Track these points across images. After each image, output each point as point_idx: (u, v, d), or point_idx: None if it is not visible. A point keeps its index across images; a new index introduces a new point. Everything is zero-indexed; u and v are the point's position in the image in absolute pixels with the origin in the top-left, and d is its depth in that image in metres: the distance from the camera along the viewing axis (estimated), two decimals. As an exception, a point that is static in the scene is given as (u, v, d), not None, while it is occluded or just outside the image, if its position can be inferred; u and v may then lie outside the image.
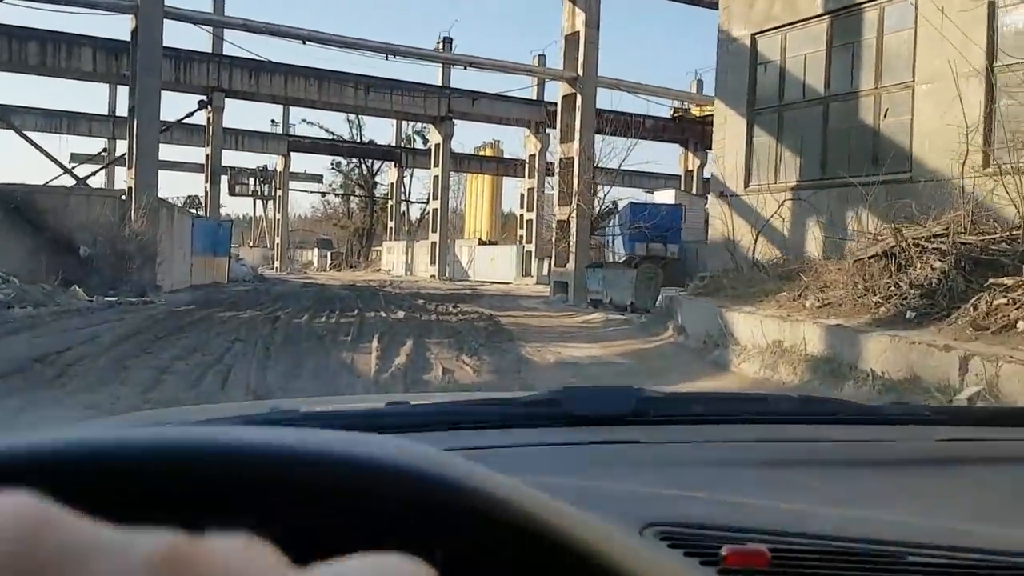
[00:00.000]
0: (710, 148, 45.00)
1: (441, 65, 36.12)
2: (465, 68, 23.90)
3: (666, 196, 36.81)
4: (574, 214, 19.17)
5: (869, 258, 6.80)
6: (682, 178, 45.02)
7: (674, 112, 43.01)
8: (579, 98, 19.19)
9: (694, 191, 43.30)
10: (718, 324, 8.15)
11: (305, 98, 33.91)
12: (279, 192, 51.03)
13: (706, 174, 47.24)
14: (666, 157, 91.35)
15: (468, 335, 11.11)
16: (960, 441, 1.31)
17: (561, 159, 20.06)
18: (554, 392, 1.25)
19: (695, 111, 44.22)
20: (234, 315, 13.53)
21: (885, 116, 13.90)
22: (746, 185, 16.28)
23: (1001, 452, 1.30)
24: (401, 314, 14.98)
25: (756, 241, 12.84)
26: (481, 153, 53.66)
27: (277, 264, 49.38)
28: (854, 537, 0.77)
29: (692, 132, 44.16)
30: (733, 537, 0.74)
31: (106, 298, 14.18)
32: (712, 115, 43.37)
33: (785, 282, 9.25)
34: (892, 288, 6.42)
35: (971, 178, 12.21)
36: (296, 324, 12.32)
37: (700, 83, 44.45)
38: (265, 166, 57.67)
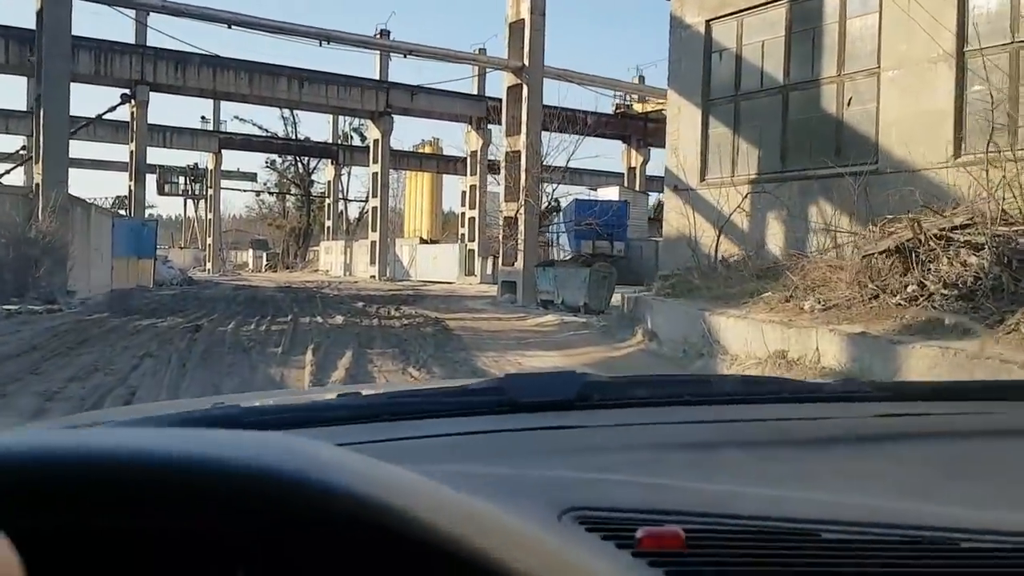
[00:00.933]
0: (653, 144, 44.88)
1: (379, 54, 34.86)
2: (405, 56, 22.73)
3: (609, 193, 36.18)
4: (522, 210, 18.24)
5: (880, 254, 6.00)
6: (625, 175, 44.55)
7: (616, 108, 42.44)
8: (525, 88, 18.25)
9: (637, 188, 42.91)
10: (700, 330, 7.26)
11: (236, 92, 32.34)
12: (210, 191, 49.08)
13: (650, 172, 46.91)
14: (609, 153, 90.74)
15: (415, 343, 10.07)
16: (899, 416, 1.29)
17: (507, 153, 19.10)
18: (498, 379, 1.24)
19: (637, 107, 43.77)
20: (151, 324, 12.24)
21: (849, 105, 13.25)
22: (702, 178, 15.53)
23: (939, 427, 1.28)
24: (340, 319, 13.85)
25: (719, 237, 12.04)
26: (421, 151, 52.48)
27: (209, 266, 47.47)
28: (772, 516, 0.77)
29: (634, 128, 43.69)
30: (652, 520, 0.73)
31: (5, 306, 12.71)
32: (656, 111, 43.03)
33: (766, 281, 8.45)
34: (915, 288, 5.60)
35: (944, 168, 11.63)
36: (220, 334, 11.11)
37: (641, 79, 43.95)
38: (196, 164, 55.70)
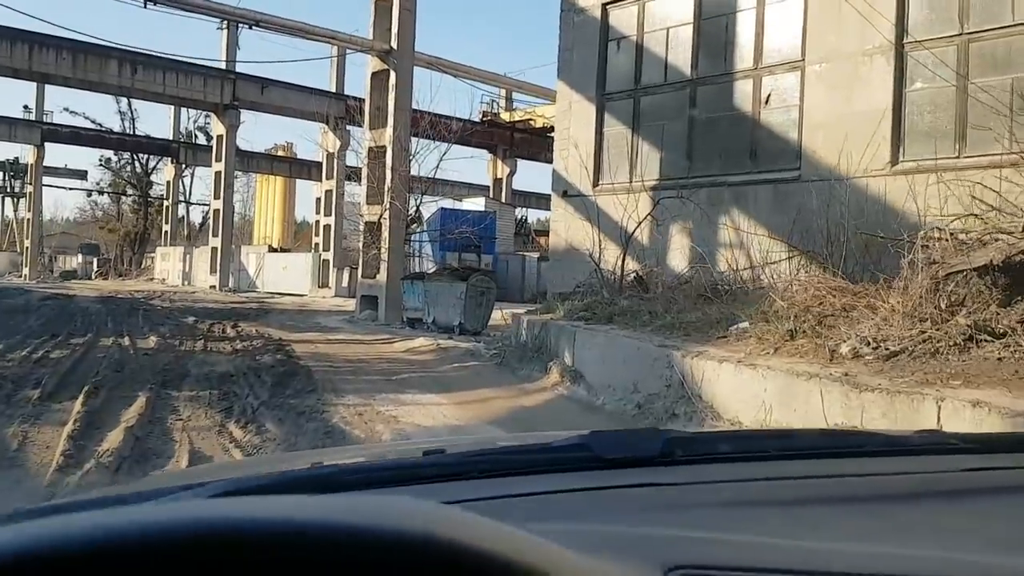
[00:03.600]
0: (521, 156, 43.29)
1: (225, 40, 31.43)
2: (251, 27, 19.84)
3: (475, 204, 34.11)
4: (387, 214, 15.80)
5: (972, 271, 4.11)
6: (491, 187, 42.68)
7: (484, 116, 40.54)
8: (393, 75, 15.87)
9: (503, 200, 41.12)
10: (664, 376, 5.12)
11: (56, 73, 28.27)
12: (30, 188, 43.79)
13: (516, 185, 45.27)
14: (472, 164, 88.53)
15: (244, 381, 7.47)
16: (990, 470, 1.27)
17: (371, 149, 16.62)
18: (582, 436, 1.22)
19: (505, 116, 42.03)
20: None
21: (767, 103, 11.67)
22: (595, 183, 13.65)
23: None
24: (153, 341, 11.03)
25: (626, 250, 10.10)
26: (274, 154, 48.91)
27: (27, 271, 42.15)
28: (870, 573, 0.77)
29: (502, 138, 41.92)
30: None
31: None
32: (525, 120, 41.31)
33: (725, 305, 6.49)
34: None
35: (880, 176, 10.15)
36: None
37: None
38: (16, 159, 50.04)
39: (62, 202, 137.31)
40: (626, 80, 13.51)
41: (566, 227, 13.96)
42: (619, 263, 10.00)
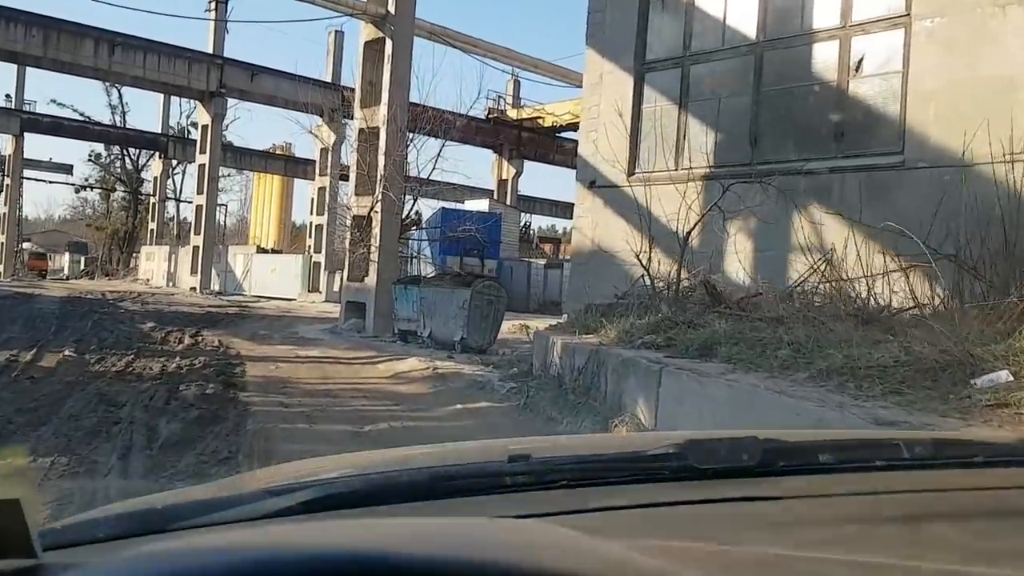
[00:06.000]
0: (528, 157, 40.86)
1: (212, 9, 28.98)
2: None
3: (478, 206, 31.68)
4: (378, 206, 13.37)
5: None
6: (495, 189, 40.26)
7: (489, 113, 38.15)
8: (389, 44, 13.45)
9: (508, 202, 38.71)
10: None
11: (26, 52, 25.88)
12: (7, 181, 41.38)
13: (524, 192, 42.83)
14: (477, 163, 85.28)
15: (133, 433, 5.00)
16: None
17: (362, 131, 14.19)
18: (677, 444, 1.15)
19: (512, 113, 39.66)
20: None
21: (858, 69, 9.27)
22: (631, 172, 11.23)
23: None
24: (65, 354, 8.60)
25: (684, 252, 7.67)
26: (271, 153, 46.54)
27: (0, 268, 39.68)
28: None
29: (508, 137, 39.54)
30: None
31: None
32: (533, 118, 38.81)
33: (868, 331, 4.06)
34: None
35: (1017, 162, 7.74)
36: None
37: (517, 83, 39.91)
38: (-3, 150, 47.68)
39: (52, 199, 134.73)
40: (672, 45, 11.09)
41: (593, 224, 11.52)
42: (674, 270, 7.54)
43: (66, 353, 8.72)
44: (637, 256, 7.71)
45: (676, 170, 10.49)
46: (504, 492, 1.04)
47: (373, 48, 14.04)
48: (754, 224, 9.76)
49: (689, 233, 7.92)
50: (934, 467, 1.23)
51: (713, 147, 10.55)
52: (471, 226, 19.16)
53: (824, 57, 9.52)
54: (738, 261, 9.81)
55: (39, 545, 0.66)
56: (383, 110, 13.55)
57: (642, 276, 7.99)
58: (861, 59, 9.25)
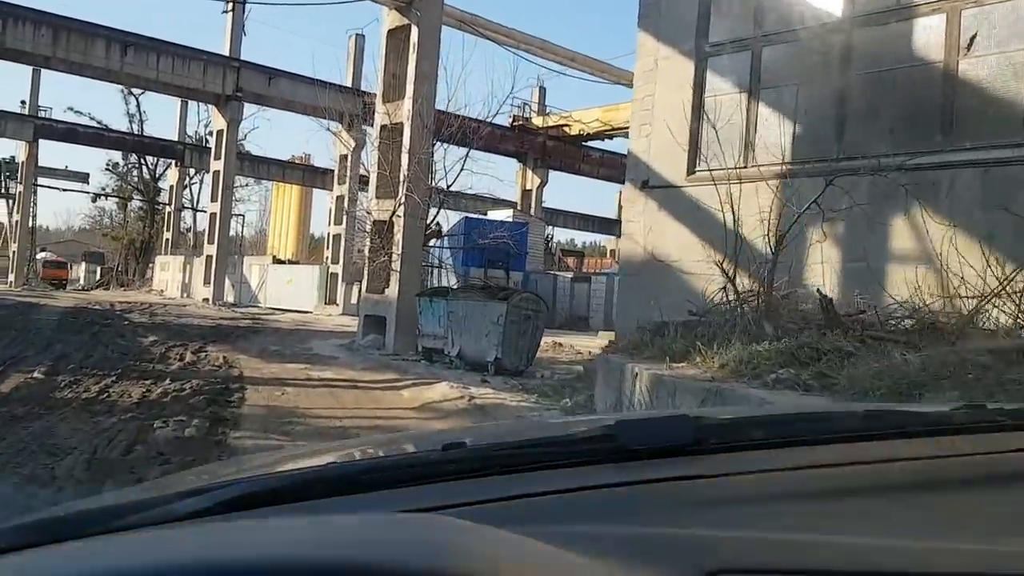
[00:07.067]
0: (553, 166, 39.56)
1: (229, 9, 27.88)
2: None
3: (501, 217, 30.42)
4: (400, 210, 12.05)
5: None
6: (518, 199, 38.96)
7: (514, 120, 36.89)
8: (414, 32, 12.17)
9: (532, 213, 37.42)
10: None
11: (34, 52, 24.85)
12: (20, 189, 40.56)
13: (546, 203, 41.48)
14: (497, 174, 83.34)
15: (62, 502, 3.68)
16: None
17: (384, 127, 12.89)
18: (607, 425, 1.13)
19: (537, 121, 38.41)
20: None
21: (970, 47, 7.85)
22: (691, 170, 9.85)
23: None
24: (35, 375, 7.31)
25: (775, 264, 6.30)
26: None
27: (11, 278, 38.76)
28: (927, 571, 0.74)
29: (533, 145, 38.26)
30: None
31: None
32: (559, 125, 37.39)
33: None
34: None
35: None
36: None
37: (543, 90, 38.69)
38: (12, 158, 46.94)
39: (71, 209, 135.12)
40: (741, 25, 9.75)
41: (646, 230, 10.15)
42: (760, 284, 6.14)
43: (35, 374, 7.43)
44: (720, 266, 6.30)
45: (745, 167, 9.10)
46: (437, 482, 1.00)
47: (397, 37, 12.75)
48: (841, 229, 8.37)
49: (782, 238, 6.50)
50: (867, 439, 1.22)
51: (790, 141, 9.15)
52: (504, 233, 17.78)
53: (927, 33, 8.14)
54: (820, 272, 8.39)
55: None
56: (407, 104, 12.25)
57: (722, 289, 6.58)
58: (974, 36, 7.85)
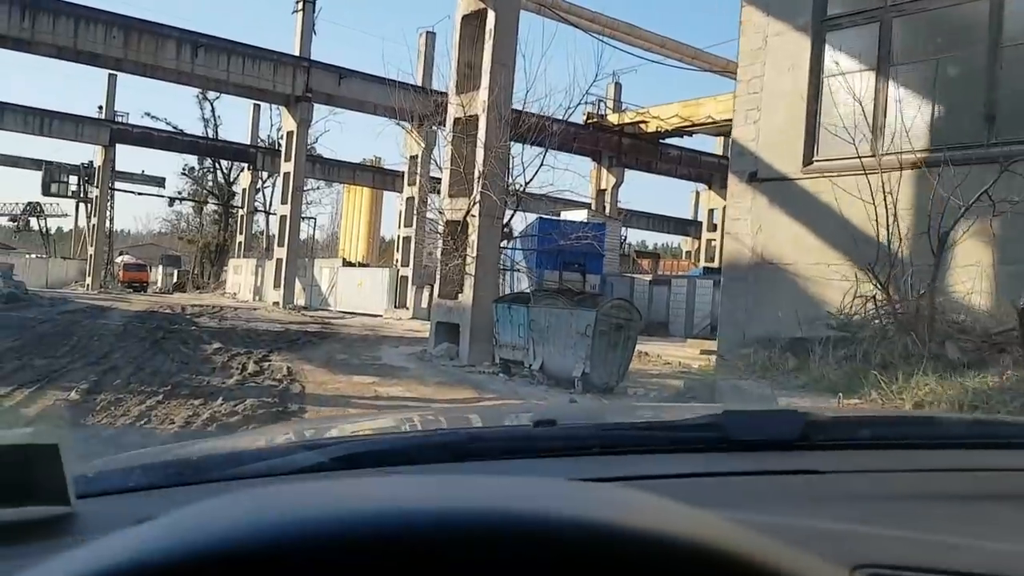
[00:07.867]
0: (628, 165, 38.23)
1: (300, 9, 27.47)
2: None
3: (576, 217, 29.34)
4: (475, 209, 11.13)
5: None
6: (592, 199, 37.79)
7: (588, 118, 35.75)
8: (491, 16, 11.24)
9: (607, 213, 36.23)
10: None
11: (105, 54, 24.76)
12: (96, 192, 41.05)
13: (621, 201, 40.22)
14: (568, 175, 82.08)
15: None
16: None
17: (457, 120, 12.02)
18: (714, 415, 1.11)
19: (612, 118, 37.19)
20: None
21: None
22: (808, 160, 8.66)
23: None
24: (74, 395, 6.52)
25: (939, 266, 5.09)
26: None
27: (89, 281, 39.23)
28: None
29: (607, 143, 37.05)
30: None
31: None
32: (636, 122, 36.02)
33: None
34: None
35: None
36: None
37: (618, 86, 37.41)
38: (91, 162, 47.77)
39: (150, 213, 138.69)
40: (865, -6, 8.54)
41: (754, 229, 8.99)
42: (921, 294, 4.96)
43: (72, 394, 6.70)
44: (872, 270, 5.14)
45: (873, 156, 7.88)
46: (536, 457, 0.99)
47: (472, 23, 11.84)
48: (994, 228, 7.10)
49: (945, 236, 5.30)
50: (974, 447, 1.18)
51: (927, 125, 7.91)
52: (588, 233, 16.73)
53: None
54: (967, 277, 7.13)
55: (73, 493, 0.65)
56: (483, 95, 11.33)
57: (862, 298, 5.41)
58: None
